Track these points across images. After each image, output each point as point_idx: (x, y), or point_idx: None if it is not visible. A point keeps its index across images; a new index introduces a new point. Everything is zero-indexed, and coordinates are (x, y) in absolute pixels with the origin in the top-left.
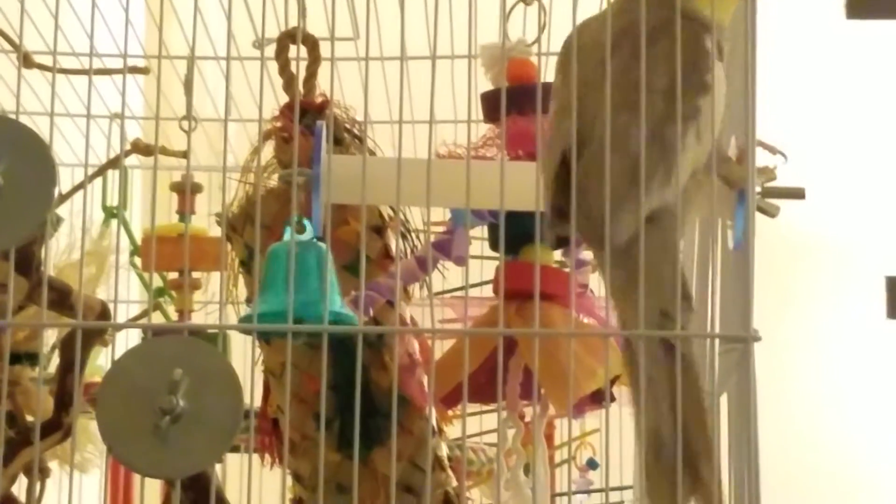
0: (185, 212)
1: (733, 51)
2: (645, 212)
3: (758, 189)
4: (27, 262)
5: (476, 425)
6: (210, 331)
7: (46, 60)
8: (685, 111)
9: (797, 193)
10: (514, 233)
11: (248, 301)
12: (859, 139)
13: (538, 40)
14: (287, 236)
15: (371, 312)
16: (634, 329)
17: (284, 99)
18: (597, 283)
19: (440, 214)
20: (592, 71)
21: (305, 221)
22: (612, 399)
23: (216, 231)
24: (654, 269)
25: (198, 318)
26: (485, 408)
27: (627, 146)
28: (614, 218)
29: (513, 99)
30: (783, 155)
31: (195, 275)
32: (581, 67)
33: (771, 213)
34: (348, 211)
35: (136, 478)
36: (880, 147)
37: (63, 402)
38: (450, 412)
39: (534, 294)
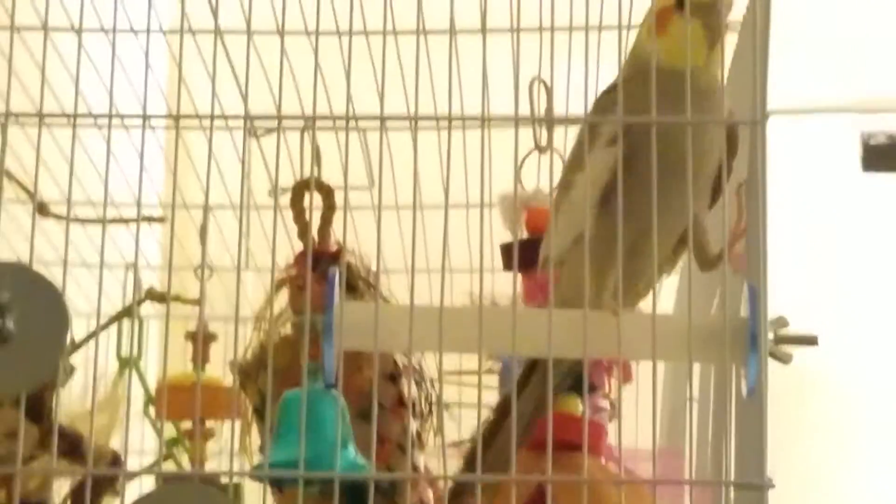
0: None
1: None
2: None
3: (770, 336)
4: (38, 410)
5: None
6: (223, 480)
7: (61, 208)
8: (562, 181)
9: (810, 341)
10: None
11: (262, 449)
12: (875, 289)
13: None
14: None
15: None
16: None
17: (300, 247)
18: (613, 433)
19: (454, 361)
20: None
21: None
22: None
23: (231, 380)
24: None
25: (212, 468)
26: None
27: None
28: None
29: (532, 250)
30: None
31: (210, 424)
32: None
33: (784, 360)
34: (362, 358)
35: None
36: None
37: None
38: None
39: (565, 444)
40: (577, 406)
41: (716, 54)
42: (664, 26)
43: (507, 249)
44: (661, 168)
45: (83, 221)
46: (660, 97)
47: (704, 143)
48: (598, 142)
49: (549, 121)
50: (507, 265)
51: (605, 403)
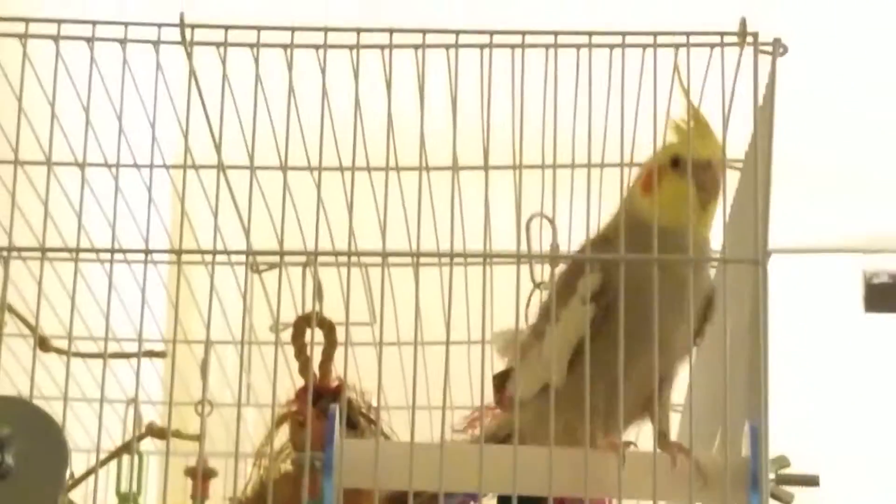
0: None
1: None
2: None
3: (771, 476)
4: None
5: None
6: None
7: (62, 342)
8: (535, 329)
9: (811, 481)
10: None
11: None
12: (877, 430)
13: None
14: None
15: None
16: None
17: (301, 383)
18: None
19: None
20: None
21: None
22: None
23: None
24: None
25: None
26: None
27: None
28: None
29: None
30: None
31: None
32: None
33: (785, 500)
34: (362, 495)
35: None
36: None
37: None
38: None
39: None
40: None
41: (708, 214)
42: (655, 184)
43: (497, 378)
44: (639, 328)
45: (84, 356)
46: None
47: (685, 307)
48: (572, 297)
49: (554, 258)
50: (495, 394)
51: None
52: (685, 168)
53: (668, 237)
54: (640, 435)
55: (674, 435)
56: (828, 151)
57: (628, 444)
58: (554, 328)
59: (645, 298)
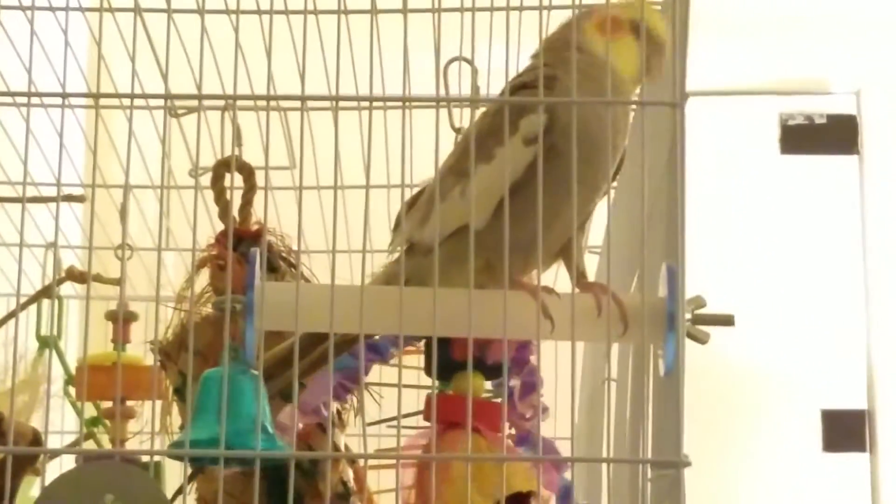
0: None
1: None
2: (407, 236)
3: (688, 316)
4: None
5: None
6: (144, 460)
7: None
8: (456, 167)
9: (727, 321)
10: (447, 360)
11: (183, 429)
12: (791, 270)
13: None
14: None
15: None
16: None
17: (221, 227)
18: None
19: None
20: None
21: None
22: None
23: (152, 360)
24: None
25: (132, 448)
26: None
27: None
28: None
29: None
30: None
31: (130, 404)
32: None
33: (701, 339)
34: (284, 338)
35: None
36: (812, 279)
37: None
38: None
39: (461, 424)
40: (482, 385)
41: (635, 85)
42: (612, 33)
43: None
44: (580, 172)
45: (2, 200)
46: (592, 85)
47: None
48: (513, 136)
49: (474, 101)
50: None
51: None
52: (641, 36)
53: (609, 73)
54: (558, 276)
55: (591, 277)
56: None
57: (547, 288)
58: (485, 167)
59: (586, 141)
